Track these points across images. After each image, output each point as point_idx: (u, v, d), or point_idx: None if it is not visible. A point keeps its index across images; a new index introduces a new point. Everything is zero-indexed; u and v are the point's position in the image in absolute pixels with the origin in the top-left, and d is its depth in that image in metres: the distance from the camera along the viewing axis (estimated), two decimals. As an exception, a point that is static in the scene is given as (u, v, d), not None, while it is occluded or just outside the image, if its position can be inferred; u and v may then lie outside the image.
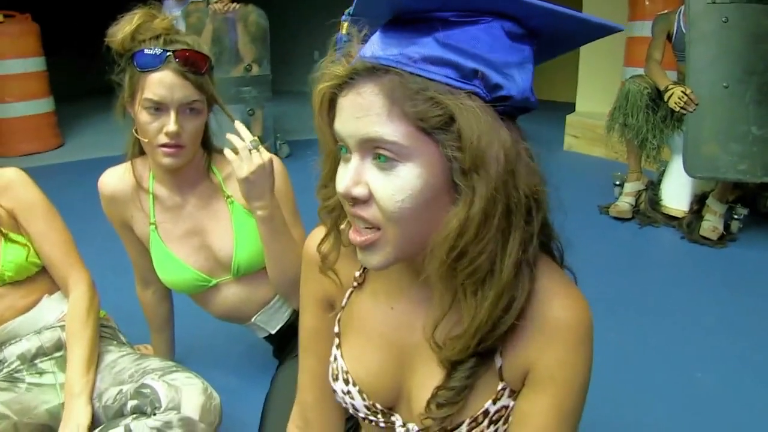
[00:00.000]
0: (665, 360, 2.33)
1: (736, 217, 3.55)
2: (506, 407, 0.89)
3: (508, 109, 0.78)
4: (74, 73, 7.98)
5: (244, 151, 1.51)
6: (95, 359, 1.59)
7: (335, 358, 1.01)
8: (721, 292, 2.97)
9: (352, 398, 0.98)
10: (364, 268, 0.99)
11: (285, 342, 1.88)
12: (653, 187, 3.90)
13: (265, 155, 1.53)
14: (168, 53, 1.52)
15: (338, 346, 1.01)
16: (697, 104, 3.25)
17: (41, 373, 1.61)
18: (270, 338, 1.90)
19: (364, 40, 0.82)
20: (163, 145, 1.56)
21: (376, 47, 0.79)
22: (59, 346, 1.64)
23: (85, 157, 5.41)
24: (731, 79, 3.23)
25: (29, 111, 5.81)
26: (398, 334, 0.95)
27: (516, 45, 0.77)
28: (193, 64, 1.55)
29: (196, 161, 1.68)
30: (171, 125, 1.53)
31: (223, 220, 1.72)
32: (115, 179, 1.73)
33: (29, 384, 1.58)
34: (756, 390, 2.13)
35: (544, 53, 0.83)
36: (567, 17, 0.76)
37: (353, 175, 0.78)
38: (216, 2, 4.78)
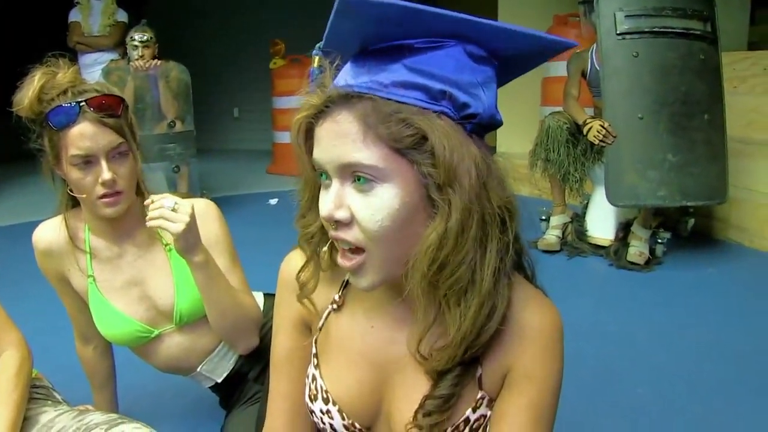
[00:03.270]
0: (607, 378, 2.40)
1: (660, 241, 3.71)
2: (484, 416, 0.92)
3: (476, 128, 0.83)
4: (-4, 138, 7.79)
5: (168, 213, 1.46)
6: (20, 422, 1.47)
7: (313, 378, 1.01)
8: (653, 311, 3.09)
9: (331, 418, 0.99)
10: (343, 290, 1.01)
11: (232, 390, 1.84)
12: (578, 218, 4.03)
13: (187, 205, 1.49)
14: (81, 104, 1.47)
15: (316, 366, 1.02)
16: (615, 136, 3.39)
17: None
18: (216, 387, 1.85)
19: (336, 71, 0.86)
20: (102, 196, 1.52)
21: (348, 76, 0.83)
22: None
23: (15, 222, 5.25)
24: (645, 110, 3.40)
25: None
26: (378, 352, 0.96)
27: (479, 66, 0.82)
28: (108, 109, 1.50)
29: (132, 209, 1.63)
30: (105, 174, 1.49)
31: (163, 269, 1.68)
32: (50, 233, 1.66)
33: None
34: (694, 399, 2.21)
35: (506, 74, 0.88)
36: (522, 35, 0.81)
37: (335, 199, 0.81)
38: (137, 59, 4.73)
